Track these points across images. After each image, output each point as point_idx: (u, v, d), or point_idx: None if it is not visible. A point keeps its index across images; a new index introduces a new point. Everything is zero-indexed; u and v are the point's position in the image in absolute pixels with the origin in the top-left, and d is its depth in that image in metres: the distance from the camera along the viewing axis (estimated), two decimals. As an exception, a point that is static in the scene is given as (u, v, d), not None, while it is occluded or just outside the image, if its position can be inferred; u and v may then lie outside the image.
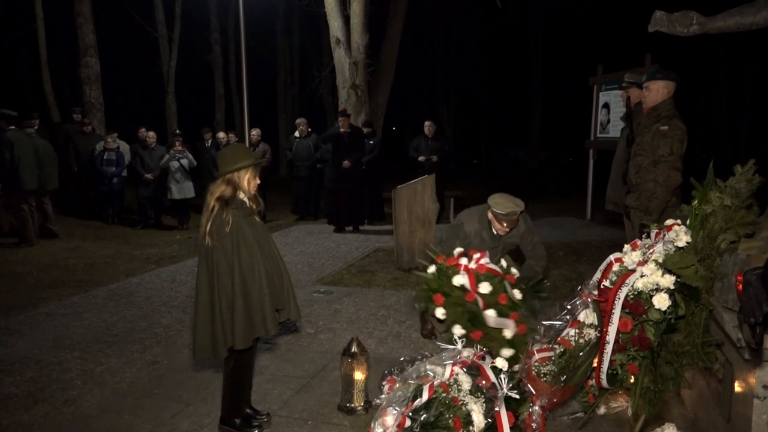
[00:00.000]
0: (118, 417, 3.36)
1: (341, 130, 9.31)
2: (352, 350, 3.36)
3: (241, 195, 3.03)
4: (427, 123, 10.13)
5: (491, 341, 3.41)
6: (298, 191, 11.02)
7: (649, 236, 3.24)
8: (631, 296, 2.83)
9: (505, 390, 2.96)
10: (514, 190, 4.25)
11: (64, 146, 10.90)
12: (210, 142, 11.82)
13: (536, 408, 3.00)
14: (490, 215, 4.01)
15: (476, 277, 3.53)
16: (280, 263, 3.12)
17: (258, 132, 10.68)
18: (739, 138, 23.88)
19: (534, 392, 3.02)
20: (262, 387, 3.68)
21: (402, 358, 3.40)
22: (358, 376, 3.33)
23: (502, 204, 3.89)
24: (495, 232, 4.11)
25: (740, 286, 2.43)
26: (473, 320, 3.47)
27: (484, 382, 2.99)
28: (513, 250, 4.40)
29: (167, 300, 5.78)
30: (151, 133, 10.29)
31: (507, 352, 3.34)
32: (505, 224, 3.96)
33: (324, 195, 10.71)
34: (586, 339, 3.05)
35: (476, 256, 3.67)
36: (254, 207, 3.08)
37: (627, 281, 2.87)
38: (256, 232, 3.01)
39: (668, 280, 2.77)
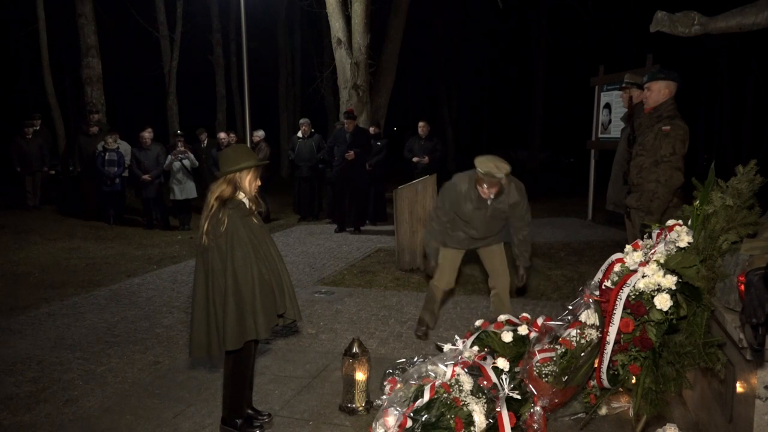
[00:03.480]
0: (120, 417, 3.36)
1: (346, 131, 9.33)
2: (354, 351, 3.35)
3: (241, 195, 3.03)
4: (420, 123, 10.21)
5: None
6: (300, 192, 11.02)
7: (650, 236, 3.24)
8: (633, 297, 2.83)
9: (506, 390, 2.97)
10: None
11: (68, 147, 10.92)
12: (206, 142, 11.75)
13: (538, 408, 3.00)
14: (476, 175, 3.95)
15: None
16: (279, 265, 3.09)
17: (262, 135, 10.64)
18: (741, 138, 23.82)
19: (535, 393, 3.02)
20: (264, 387, 3.68)
21: (400, 360, 3.41)
22: (360, 376, 3.33)
23: (483, 163, 3.78)
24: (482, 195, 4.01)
25: (742, 287, 2.43)
26: None
27: (485, 382, 2.99)
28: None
29: (168, 300, 5.78)
30: (146, 134, 10.26)
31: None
32: (485, 186, 3.85)
33: (327, 194, 10.71)
34: (588, 339, 3.05)
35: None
36: (254, 208, 3.08)
37: (628, 282, 2.87)
38: (252, 233, 3.00)
39: (670, 281, 2.77)
